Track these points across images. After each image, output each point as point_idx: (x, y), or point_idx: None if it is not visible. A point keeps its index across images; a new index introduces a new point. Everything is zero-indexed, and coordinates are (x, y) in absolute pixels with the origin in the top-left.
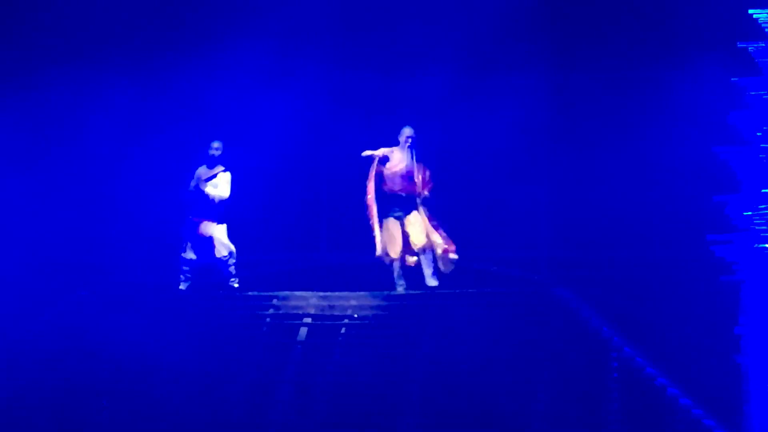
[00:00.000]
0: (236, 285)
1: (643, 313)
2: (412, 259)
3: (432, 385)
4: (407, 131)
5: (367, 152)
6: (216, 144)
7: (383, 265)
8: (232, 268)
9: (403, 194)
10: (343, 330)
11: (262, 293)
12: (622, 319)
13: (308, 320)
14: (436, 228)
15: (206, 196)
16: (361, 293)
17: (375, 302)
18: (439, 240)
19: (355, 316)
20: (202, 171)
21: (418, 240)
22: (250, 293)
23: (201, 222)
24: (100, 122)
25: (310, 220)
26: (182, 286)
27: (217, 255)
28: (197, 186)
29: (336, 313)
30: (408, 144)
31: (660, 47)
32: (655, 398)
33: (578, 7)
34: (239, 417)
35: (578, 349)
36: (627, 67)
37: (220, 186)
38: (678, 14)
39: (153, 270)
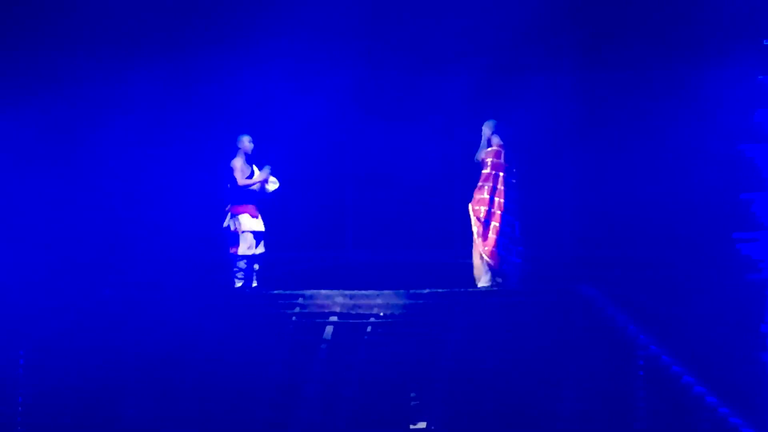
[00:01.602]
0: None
1: (669, 311)
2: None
3: (458, 383)
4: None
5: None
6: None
7: (408, 263)
8: (257, 266)
9: None
10: (369, 328)
11: (288, 292)
12: (648, 317)
13: (334, 319)
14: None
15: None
16: (387, 292)
17: (401, 301)
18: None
19: (381, 314)
20: (256, 169)
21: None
22: (276, 292)
23: (256, 217)
24: (124, 121)
25: (336, 219)
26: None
27: (259, 251)
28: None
29: (362, 311)
30: (485, 138)
31: (685, 45)
32: (681, 396)
33: (602, 6)
34: (266, 415)
35: (604, 347)
36: (652, 65)
37: (273, 180)
38: (703, 12)
39: (177, 269)
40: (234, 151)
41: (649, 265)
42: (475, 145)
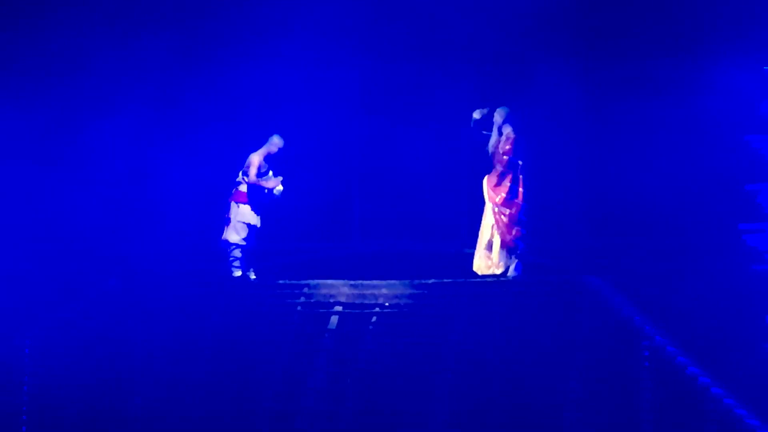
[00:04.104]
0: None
1: (674, 302)
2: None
3: (463, 373)
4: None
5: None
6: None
7: (414, 253)
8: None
9: None
10: (374, 318)
11: (294, 281)
12: (654, 308)
13: (339, 308)
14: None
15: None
16: (392, 282)
17: (406, 291)
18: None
19: (386, 304)
20: (271, 173)
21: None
22: (281, 282)
23: (258, 214)
24: (130, 112)
25: (343, 209)
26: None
27: (247, 243)
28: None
29: (367, 301)
30: (496, 126)
31: (692, 37)
32: (686, 387)
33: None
34: (271, 404)
35: (610, 337)
36: (659, 56)
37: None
38: (710, 3)
39: (183, 259)
40: (259, 145)
41: (655, 255)
42: (482, 137)
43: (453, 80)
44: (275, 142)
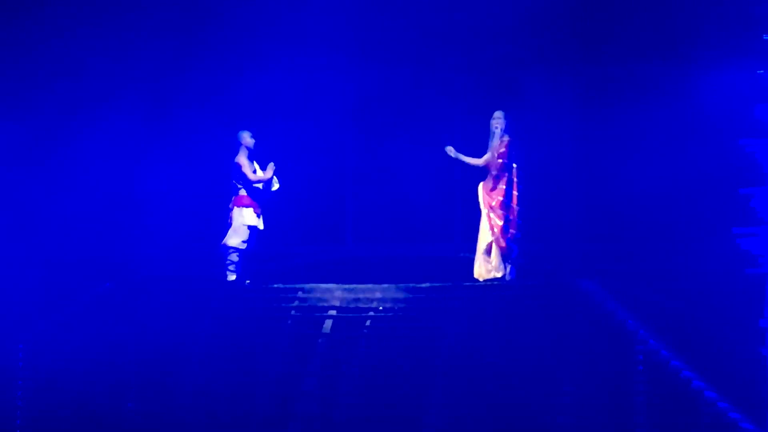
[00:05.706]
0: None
1: (668, 305)
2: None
3: (457, 377)
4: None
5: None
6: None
7: (408, 257)
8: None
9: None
10: (368, 322)
11: (288, 285)
12: (648, 311)
13: (333, 313)
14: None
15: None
16: (386, 286)
17: (400, 295)
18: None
19: (380, 308)
20: (257, 166)
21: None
22: (275, 286)
23: (259, 216)
24: (125, 115)
25: (336, 213)
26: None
27: (247, 246)
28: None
29: (361, 305)
30: (494, 131)
31: (686, 40)
32: (680, 391)
33: (604, 2)
34: (265, 409)
35: (603, 341)
36: (652, 60)
37: (275, 179)
38: (704, 7)
39: (177, 262)
40: (236, 148)
41: (649, 259)
42: (475, 140)
43: (445, 85)
44: (245, 136)
